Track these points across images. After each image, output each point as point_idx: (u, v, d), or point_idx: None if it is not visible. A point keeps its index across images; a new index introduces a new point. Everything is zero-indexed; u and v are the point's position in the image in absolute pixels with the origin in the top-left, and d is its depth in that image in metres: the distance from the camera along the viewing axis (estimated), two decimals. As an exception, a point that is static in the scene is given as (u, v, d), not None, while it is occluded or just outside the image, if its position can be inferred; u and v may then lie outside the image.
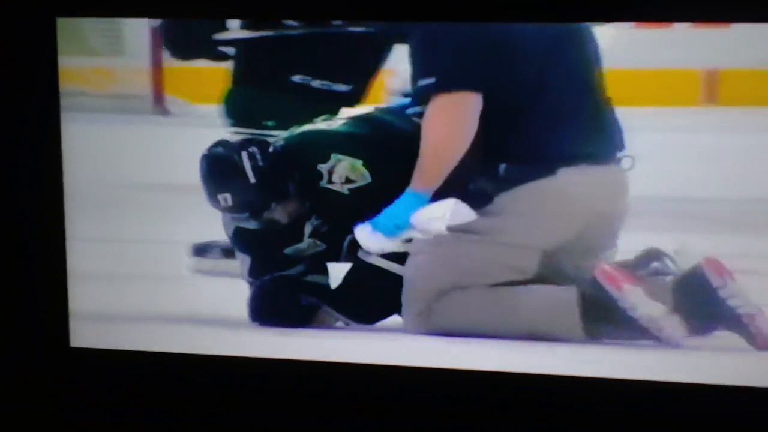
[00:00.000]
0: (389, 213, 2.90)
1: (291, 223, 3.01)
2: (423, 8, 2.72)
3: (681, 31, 2.96)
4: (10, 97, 3.03)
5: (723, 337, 2.81)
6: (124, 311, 3.09)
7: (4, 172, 3.08)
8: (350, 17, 2.97)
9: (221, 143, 2.97)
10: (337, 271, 3.07)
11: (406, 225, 2.90)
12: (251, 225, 3.00)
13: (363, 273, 2.98)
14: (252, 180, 2.94)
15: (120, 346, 3.03)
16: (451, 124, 2.79)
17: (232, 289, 3.09)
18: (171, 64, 3.27)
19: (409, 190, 2.87)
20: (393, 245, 2.93)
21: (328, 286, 3.06)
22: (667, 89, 2.98)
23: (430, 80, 2.77)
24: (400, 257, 2.94)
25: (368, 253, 2.95)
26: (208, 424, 2.98)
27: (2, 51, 3.00)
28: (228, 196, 2.95)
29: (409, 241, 2.92)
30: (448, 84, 2.77)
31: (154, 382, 3.03)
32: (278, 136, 3.00)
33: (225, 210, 2.97)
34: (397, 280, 2.93)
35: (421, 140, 2.82)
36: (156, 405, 3.02)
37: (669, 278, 2.82)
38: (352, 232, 2.96)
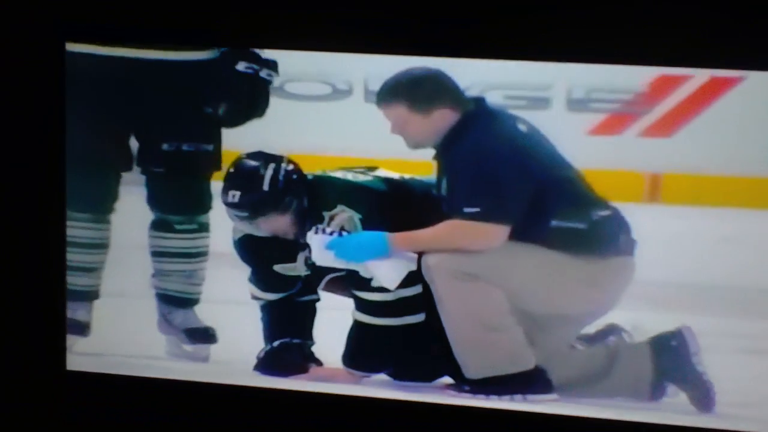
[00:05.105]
0: (353, 243, 3.20)
1: (283, 244, 3.32)
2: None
3: (630, 138, 3.41)
4: (16, 120, 3.23)
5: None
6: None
7: (7, 192, 3.28)
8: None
9: (259, 154, 3.31)
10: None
11: (360, 262, 3.21)
12: (246, 226, 3.32)
13: (358, 329, 3.31)
14: (265, 188, 3.29)
15: (116, 371, 3.25)
16: (477, 245, 3.15)
17: (236, 313, 3.43)
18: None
19: (387, 238, 3.18)
20: (334, 263, 3.23)
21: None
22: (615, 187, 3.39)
23: (476, 209, 3.13)
24: (388, 309, 3.25)
25: (358, 311, 3.27)
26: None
27: (11, 76, 3.21)
28: (238, 193, 3.29)
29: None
30: (489, 217, 3.14)
31: (150, 407, 3.26)
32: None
33: (229, 205, 3.30)
34: (391, 334, 3.25)
35: (440, 230, 3.16)
36: (152, 430, 3.26)
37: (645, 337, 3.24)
38: (331, 272, 3.30)
